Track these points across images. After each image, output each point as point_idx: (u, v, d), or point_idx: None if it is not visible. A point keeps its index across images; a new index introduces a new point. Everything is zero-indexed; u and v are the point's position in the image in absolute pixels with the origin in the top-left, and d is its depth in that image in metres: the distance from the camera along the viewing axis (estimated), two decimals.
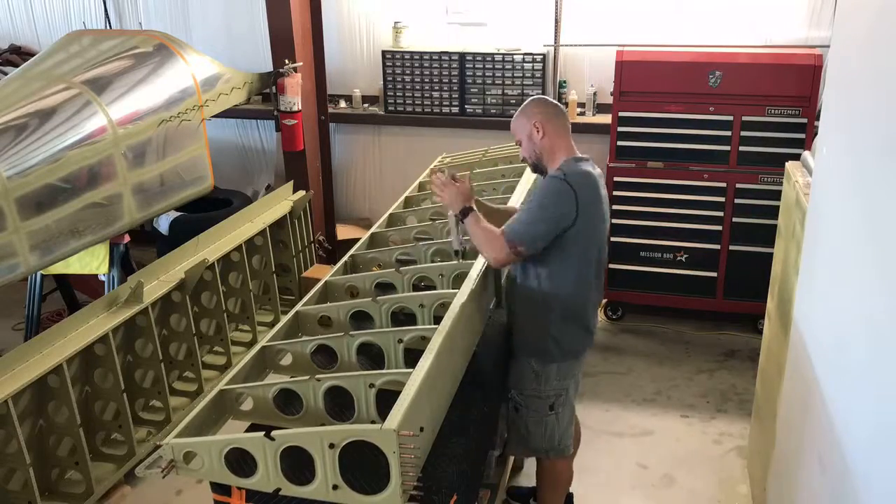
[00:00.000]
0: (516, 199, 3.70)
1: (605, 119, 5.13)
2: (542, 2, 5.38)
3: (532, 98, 3.00)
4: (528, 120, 2.90)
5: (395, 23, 5.65)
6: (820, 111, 3.55)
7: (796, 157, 3.49)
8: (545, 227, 2.76)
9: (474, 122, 5.66)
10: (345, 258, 3.40)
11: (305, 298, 3.02)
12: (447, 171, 2.96)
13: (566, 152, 2.88)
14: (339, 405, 2.41)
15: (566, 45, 5.44)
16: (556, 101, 2.97)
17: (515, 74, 5.47)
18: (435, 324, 2.63)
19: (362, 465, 2.17)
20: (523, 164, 4.32)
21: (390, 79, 5.73)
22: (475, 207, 2.91)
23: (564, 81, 5.54)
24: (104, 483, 3.52)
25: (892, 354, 1.85)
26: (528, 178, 4.08)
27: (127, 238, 4.39)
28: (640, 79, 4.69)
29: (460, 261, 3.08)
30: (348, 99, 6.04)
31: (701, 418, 4.27)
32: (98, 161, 3.87)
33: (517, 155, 4.58)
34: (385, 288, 3.13)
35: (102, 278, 4.40)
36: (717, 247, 4.88)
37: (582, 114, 5.51)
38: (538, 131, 2.86)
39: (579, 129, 5.43)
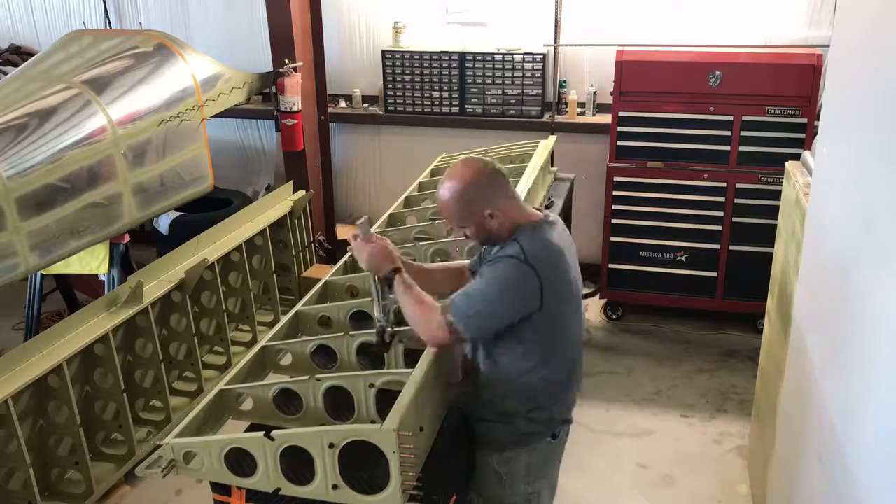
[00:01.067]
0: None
1: (605, 119, 5.13)
2: (542, 2, 5.38)
3: (460, 168, 2.35)
4: (470, 208, 2.31)
5: (395, 23, 5.65)
6: (820, 111, 3.55)
7: (796, 157, 3.49)
8: (500, 316, 2.28)
9: (474, 122, 5.66)
10: (345, 258, 3.40)
11: (305, 298, 3.02)
12: (362, 226, 2.42)
13: (520, 219, 2.37)
14: (339, 405, 2.41)
15: (566, 45, 5.44)
16: (484, 159, 2.42)
17: (515, 74, 5.47)
18: None
19: (362, 465, 2.17)
20: (523, 164, 4.35)
21: (390, 79, 5.73)
22: (402, 268, 2.40)
23: (564, 81, 5.54)
24: (104, 483, 3.52)
25: (892, 354, 1.85)
26: (529, 178, 4.07)
27: (127, 238, 4.39)
28: (640, 79, 4.69)
29: (386, 349, 2.47)
30: (348, 99, 6.04)
31: (701, 418, 4.27)
32: (98, 161, 3.87)
33: (517, 155, 4.63)
34: None
35: (102, 278, 4.40)
36: (717, 247, 4.88)
37: (582, 114, 5.51)
38: (492, 217, 2.31)
39: (579, 129, 5.47)
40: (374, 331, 2.52)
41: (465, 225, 2.36)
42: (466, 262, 2.65)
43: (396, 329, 2.42)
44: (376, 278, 2.39)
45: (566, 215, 4.91)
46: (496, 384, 2.43)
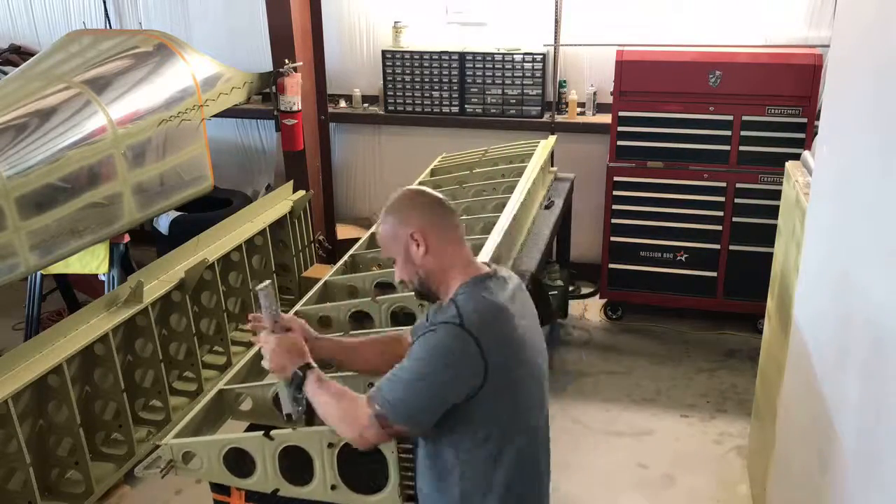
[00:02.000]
0: (508, 213, 3.62)
1: (605, 119, 5.12)
2: (542, 2, 5.38)
3: (403, 191, 2.07)
4: (401, 228, 1.98)
5: (395, 22, 5.65)
6: (820, 111, 3.55)
7: (796, 157, 3.49)
8: (432, 398, 1.86)
9: (474, 121, 5.66)
10: (345, 258, 3.41)
11: (305, 298, 3.03)
12: (265, 297, 2.06)
13: (463, 271, 1.98)
14: None
15: (566, 45, 5.44)
16: (436, 194, 2.08)
17: (515, 74, 5.47)
18: None
19: (361, 465, 2.17)
20: (523, 164, 4.36)
21: (390, 78, 5.72)
22: (312, 363, 2.03)
23: (564, 81, 5.54)
24: (104, 483, 3.52)
25: (892, 354, 1.85)
26: (529, 178, 4.07)
27: (127, 238, 4.39)
28: (640, 78, 4.69)
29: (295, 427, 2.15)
30: (348, 99, 6.04)
31: (701, 418, 4.27)
32: (98, 161, 3.87)
33: (517, 155, 4.63)
34: (385, 287, 3.13)
35: (102, 278, 4.40)
36: (717, 247, 4.87)
37: (582, 114, 5.51)
38: (418, 245, 1.96)
39: (579, 129, 5.47)
40: (374, 330, 2.51)
41: (393, 251, 2.02)
42: (407, 329, 2.25)
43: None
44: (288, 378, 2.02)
45: (566, 215, 4.92)
46: (445, 495, 1.98)
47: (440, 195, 2.06)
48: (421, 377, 1.85)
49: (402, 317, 2.93)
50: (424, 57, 5.60)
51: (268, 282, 2.06)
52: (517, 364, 1.93)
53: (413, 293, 2.12)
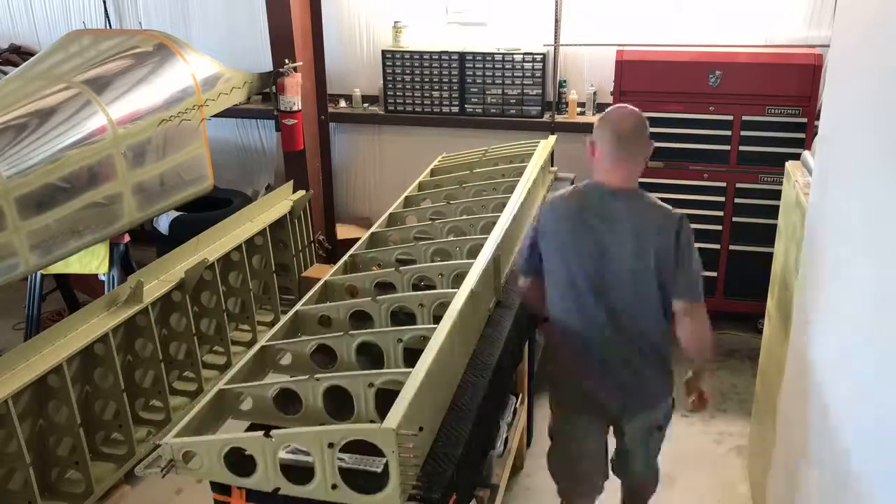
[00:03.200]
0: (508, 213, 3.62)
1: None
2: (542, 2, 5.38)
3: (612, 107, 2.89)
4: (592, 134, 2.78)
5: (395, 22, 5.66)
6: (820, 111, 3.55)
7: (796, 157, 3.49)
8: (525, 243, 2.90)
9: (474, 121, 5.66)
10: (345, 258, 3.40)
11: (305, 298, 3.02)
12: None
13: (596, 177, 2.84)
14: (339, 405, 2.41)
15: (566, 45, 5.44)
16: (626, 120, 2.86)
17: (515, 74, 5.47)
18: (434, 323, 2.63)
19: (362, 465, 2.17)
20: (523, 164, 4.35)
21: (390, 78, 5.73)
22: None
23: (564, 81, 5.54)
24: (104, 483, 3.52)
25: (892, 354, 1.85)
26: (529, 177, 4.07)
27: (127, 238, 4.39)
28: (640, 78, 4.69)
29: None
30: (348, 99, 6.05)
31: (701, 418, 4.26)
32: (98, 161, 3.87)
33: (517, 154, 4.63)
34: (385, 287, 3.13)
35: (102, 278, 4.40)
36: (717, 246, 4.87)
37: (582, 113, 5.51)
38: (589, 148, 2.82)
39: (579, 128, 5.47)
40: (375, 330, 2.51)
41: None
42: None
43: None
44: None
45: None
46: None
47: (624, 125, 2.85)
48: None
49: (401, 316, 2.93)
50: (424, 57, 5.60)
51: None
52: (557, 239, 2.81)
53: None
